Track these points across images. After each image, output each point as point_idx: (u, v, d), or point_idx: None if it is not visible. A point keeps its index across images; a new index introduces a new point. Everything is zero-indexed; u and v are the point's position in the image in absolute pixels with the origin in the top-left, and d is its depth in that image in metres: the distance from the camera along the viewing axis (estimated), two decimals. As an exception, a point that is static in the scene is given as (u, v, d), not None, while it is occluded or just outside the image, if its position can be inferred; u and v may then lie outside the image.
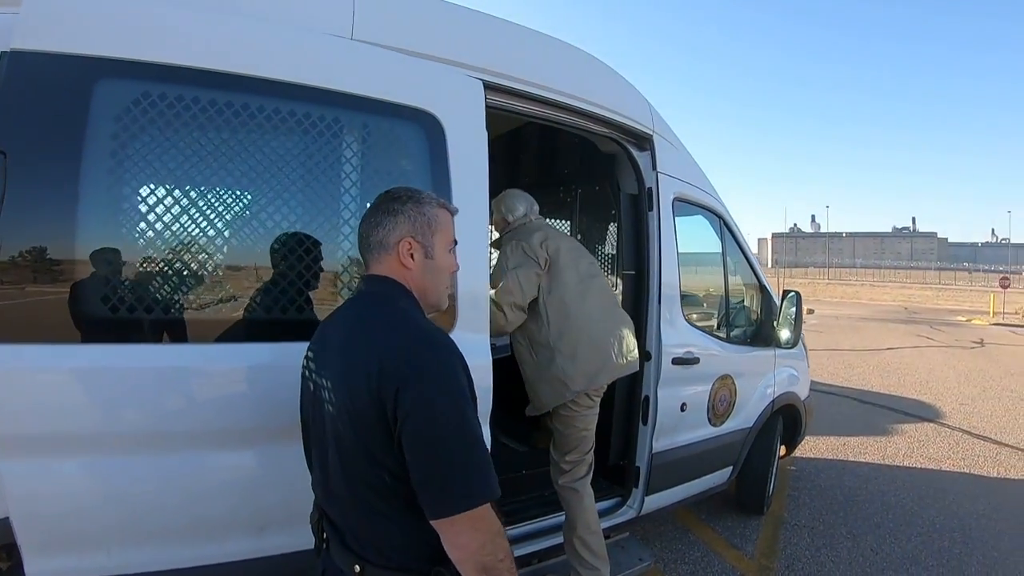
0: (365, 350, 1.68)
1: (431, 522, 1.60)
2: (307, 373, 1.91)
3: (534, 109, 3.61)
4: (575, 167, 5.13)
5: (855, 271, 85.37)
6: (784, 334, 5.36)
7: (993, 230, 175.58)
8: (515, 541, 3.63)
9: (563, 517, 3.78)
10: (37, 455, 2.28)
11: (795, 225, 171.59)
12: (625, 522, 4.32)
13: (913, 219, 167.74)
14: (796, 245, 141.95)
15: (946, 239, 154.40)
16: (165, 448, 2.45)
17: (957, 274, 77.21)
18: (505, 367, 4.22)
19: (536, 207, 3.95)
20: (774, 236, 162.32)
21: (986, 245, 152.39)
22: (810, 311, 32.35)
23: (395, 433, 1.59)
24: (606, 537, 4.11)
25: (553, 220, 5.49)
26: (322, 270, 2.73)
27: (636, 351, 3.79)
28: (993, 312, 35.48)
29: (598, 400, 3.70)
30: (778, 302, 5.39)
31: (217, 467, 2.57)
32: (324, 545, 1.89)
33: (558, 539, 3.78)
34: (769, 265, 70.66)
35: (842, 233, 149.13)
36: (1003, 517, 6.05)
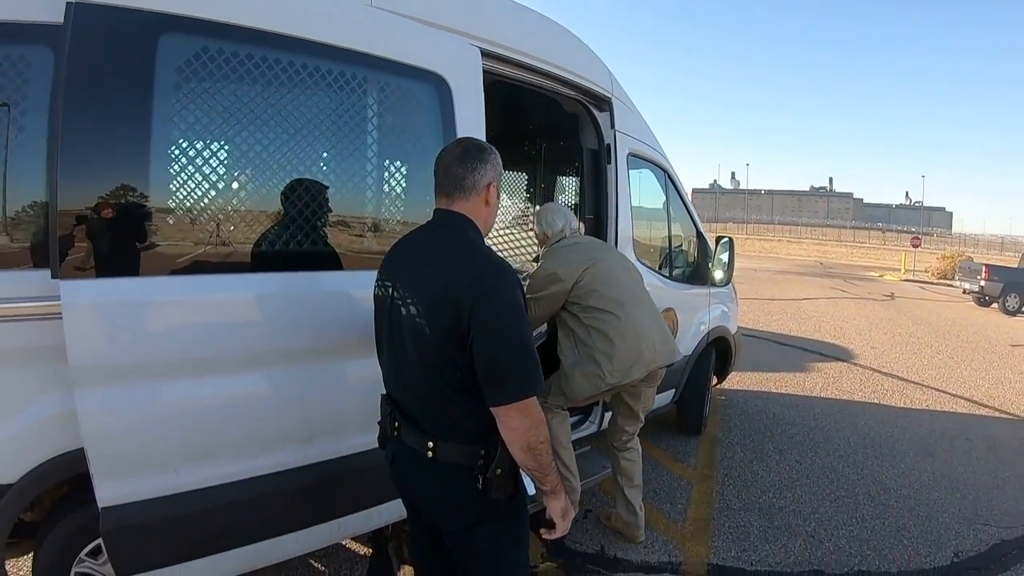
0: (446, 271, 2.11)
1: (491, 408, 2.07)
2: (384, 292, 2.33)
3: (517, 73, 4.10)
4: (541, 124, 5.65)
5: (773, 227, 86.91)
6: (718, 274, 6.17)
7: (907, 193, 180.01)
8: None
9: None
10: (111, 384, 2.48)
11: (715, 182, 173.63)
12: (587, 436, 4.98)
13: (830, 179, 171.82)
14: (716, 201, 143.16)
15: (862, 200, 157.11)
16: (225, 370, 2.73)
17: (871, 233, 79.26)
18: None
19: (574, 222, 4.30)
20: (695, 192, 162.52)
21: (900, 207, 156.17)
22: (732, 264, 33.40)
23: (468, 338, 2.03)
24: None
25: (519, 172, 6.03)
26: (352, 211, 3.15)
27: (668, 344, 4.12)
28: (904, 269, 37.31)
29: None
30: (713, 247, 6.18)
31: (271, 385, 2.88)
32: (395, 432, 2.33)
33: None
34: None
35: (761, 191, 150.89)
36: (908, 437, 7.11)
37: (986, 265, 23.15)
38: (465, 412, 2.17)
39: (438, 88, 3.37)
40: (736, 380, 8.64)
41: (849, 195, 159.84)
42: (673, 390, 5.90)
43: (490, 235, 5.98)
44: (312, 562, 3.93)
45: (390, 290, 2.30)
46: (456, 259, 2.15)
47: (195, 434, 2.70)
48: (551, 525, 2.28)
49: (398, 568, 3.76)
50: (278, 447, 2.91)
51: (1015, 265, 24.68)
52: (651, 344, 3.93)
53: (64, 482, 2.73)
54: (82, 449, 2.48)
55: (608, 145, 4.87)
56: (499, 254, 2.34)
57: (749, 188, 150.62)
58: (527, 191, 6.20)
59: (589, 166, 5.04)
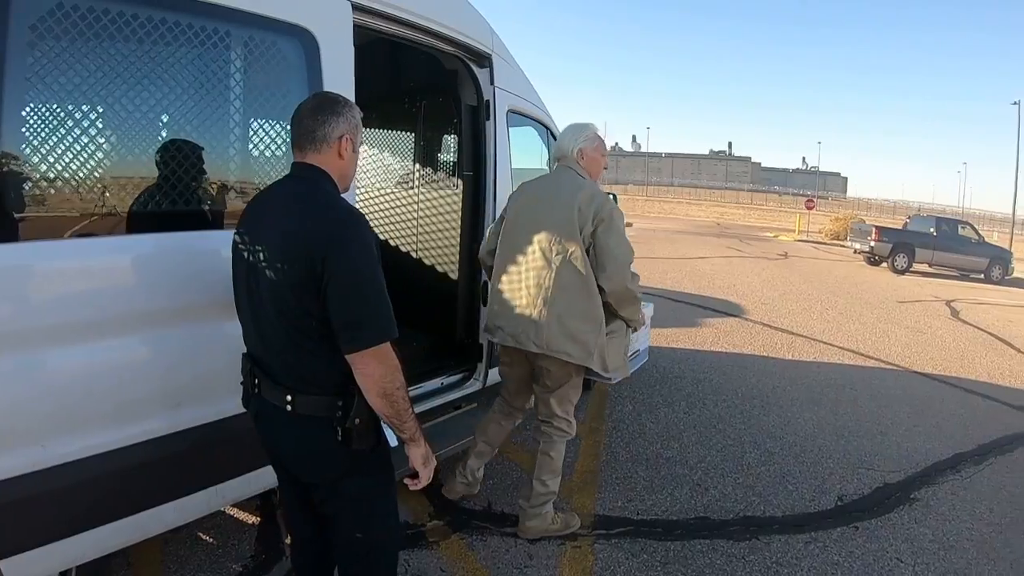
0: (300, 222, 2.16)
1: (346, 356, 2.11)
2: (242, 247, 2.34)
3: (392, 28, 4.03)
4: (420, 81, 5.59)
5: (672, 189, 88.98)
6: None
7: (804, 158, 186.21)
8: None
9: (416, 392, 4.45)
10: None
11: (616, 144, 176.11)
12: (473, 393, 4.97)
13: (729, 144, 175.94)
14: (617, 164, 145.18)
15: (760, 164, 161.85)
16: (89, 337, 2.62)
17: (768, 196, 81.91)
18: (391, 275, 4.87)
19: (569, 150, 4.06)
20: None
21: (797, 171, 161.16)
22: (628, 224, 34.08)
23: (322, 287, 2.08)
24: (456, 408, 4.85)
25: (398, 130, 5.99)
26: (216, 169, 3.08)
27: (554, 334, 3.78)
28: (799, 230, 38.81)
29: None
30: None
31: (136, 351, 2.79)
32: (256, 390, 2.36)
33: (418, 410, 4.33)
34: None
35: (661, 154, 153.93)
36: (795, 388, 7.39)
37: (876, 227, 24.76)
38: (322, 363, 2.21)
39: (304, 43, 3.30)
40: None
41: (747, 159, 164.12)
42: None
43: (373, 195, 5.90)
44: (200, 535, 3.85)
45: (246, 244, 2.32)
46: (308, 210, 2.19)
47: (63, 405, 2.59)
48: (414, 474, 2.35)
49: (286, 535, 3.69)
50: (147, 414, 2.82)
51: (904, 227, 26.04)
52: (540, 316, 3.76)
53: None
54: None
55: (487, 101, 4.86)
56: (357, 208, 2.44)
57: (650, 151, 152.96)
58: (410, 149, 6.09)
59: (468, 123, 5.00)
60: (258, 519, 4.05)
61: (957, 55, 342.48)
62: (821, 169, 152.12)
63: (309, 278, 2.09)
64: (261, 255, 2.23)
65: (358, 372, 2.13)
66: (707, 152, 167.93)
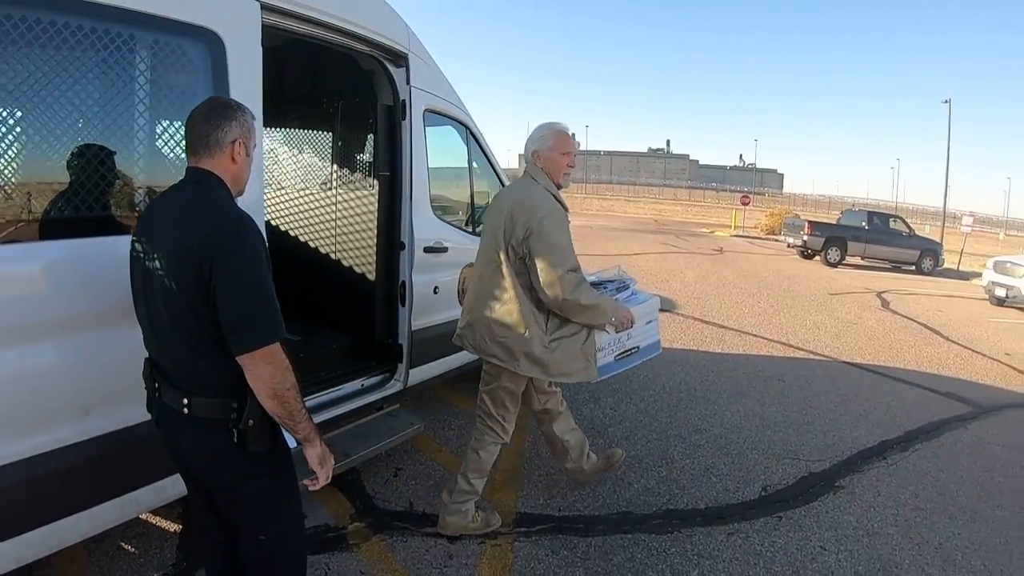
0: (191, 227, 2.18)
1: (237, 358, 2.16)
2: (138, 252, 2.35)
3: (304, 28, 3.98)
4: (337, 81, 5.54)
5: (611, 187, 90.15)
6: None
7: (741, 155, 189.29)
8: None
9: (335, 394, 4.53)
10: None
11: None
12: (394, 394, 4.95)
13: (668, 141, 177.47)
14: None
15: (697, 161, 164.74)
16: None
17: (706, 193, 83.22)
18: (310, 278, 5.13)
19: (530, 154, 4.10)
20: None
21: (734, 168, 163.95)
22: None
23: (212, 291, 2.13)
24: (378, 409, 4.83)
25: (317, 132, 5.93)
26: (120, 174, 3.03)
27: (495, 339, 3.92)
28: (735, 226, 39.45)
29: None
30: None
31: (43, 358, 2.76)
32: (156, 394, 2.41)
33: (334, 413, 4.41)
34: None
35: (600, 151, 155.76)
36: (723, 381, 7.47)
37: (809, 221, 25.36)
38: (215, 366, 2.25)
39: (210, 45, 3.27)
40: None
41: (686, 156, 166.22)
42: None
43: (292, 196, 5.78)
44: (122, 544, 3.79)
45: (141, 250, 2.34)
46: (198, 214, 2.23)
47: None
48: (312, 475, 2.39)
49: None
50: (56, 422, 2.80)
51: (836, 222, 26.73)
52: (474, 319, 3.95)
53: None
54: None
55: (403, 101, 4.85)
56: (242, 209, 2.38)
57: (589, 149, 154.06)
58: (328, 150, 6.01)
59: (384, 123, 4.99)
60: (180, 527, 3.98)
61: (891, 55, 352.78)
62: (758, 166, 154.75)
63: (199, 282, 2.14)
64: (154, 260, 2.26)
65: (248, 373, 2.17)
66: (646, 150, 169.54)
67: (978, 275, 20.15)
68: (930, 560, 4.26)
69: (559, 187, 3.99)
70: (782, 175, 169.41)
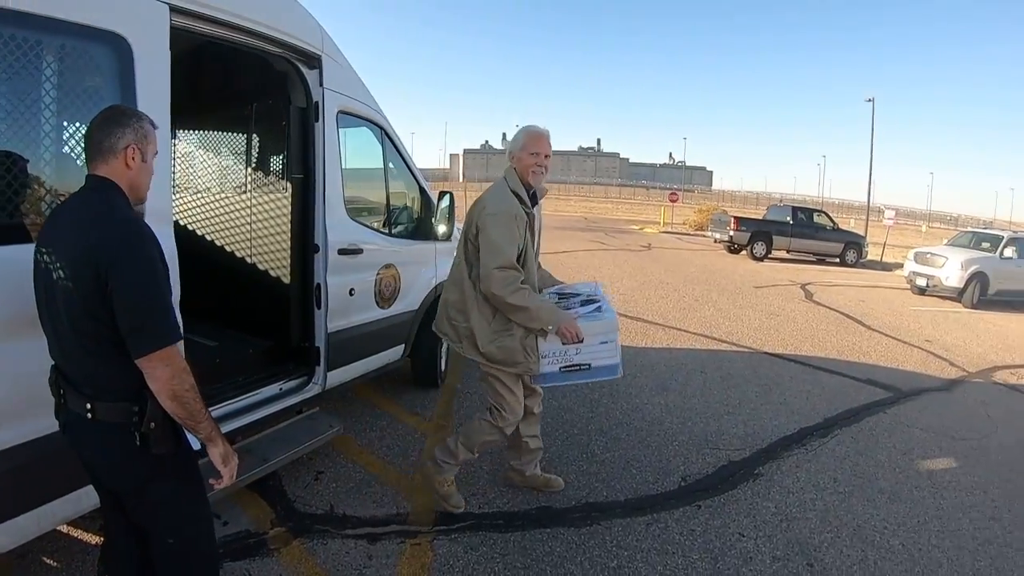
0: (87, 233, 2.21)
1: (136, 361, 2.20)
2: (40, 260, 2.38)
3: (214, 30, 3.93)
4: (251, 83, 5.47)
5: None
6: (441, 229, 6.24)
7: (671, 153, 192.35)
8: (217, 421, 4.01)
9: (253, 399, 4.48)
10: None
11: (487, 142, 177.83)
12: (313, 397, 4.92)
13: (598, 140, 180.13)
14: (487, 161, 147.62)
15: (628, 159, 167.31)
16: None
17: (636, 190, 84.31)
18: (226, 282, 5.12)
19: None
20: (466, 152, 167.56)
21: (664, 166, 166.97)
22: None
23: (108, 296, 2.17)
24: (298, 413, 4.82)
25: (231, 134, 5.90)
26: (26, 181, 2.98)
27: (442, 317, 4.38)
28: (663, 222, 39.96)
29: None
30: (436, 202, 6.22)
31: None
32: (62, 400, 2.41)
33: (252, 418, 4.35)
34: (460, 180, 73.46)
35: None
36: (646, 374, 7.59)
37: (735, 217, 25.96)
38: (116, 370, 2.28)
39: (118, 50, 3.22)
40: None
41: (616, 155, 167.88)
42: (402, 345, 5.94)
43: (207, 200, 5.68)
44: (44, 559, 3.72)
45: (43, 257, 2.37)
46: (94, 221, 2.26)
47: None
48: (217, 474, 2.42)
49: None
50: None
51: (762, 217, 27.41)
52: (441, 300, 4.39)
53: None
54: None
55: (316, 103, 4.83)
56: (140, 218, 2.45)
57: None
58: (242, 153, 5.93)
59: (297, 125, 4.95)
60: (101, 539, 3.81)
61: (817, 54, 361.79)
62: (688, 164, 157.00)
63: (96, 288, 2.17)
64: (54, 267, 2.29)
65: (147, 376, 2.21)
66: (577, 149, 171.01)
67: (900, 266, 20.74)
68: (848, 542, 4.38)
69: (530, 187, 4.12)
70: (711, 172, 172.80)
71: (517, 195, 4.04)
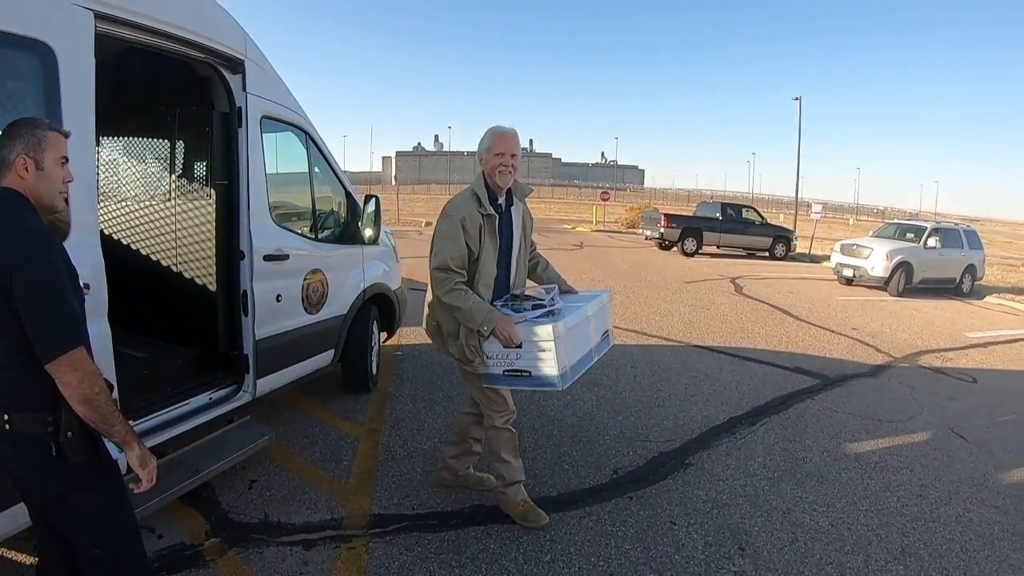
0: None
1: (46, 368, 2.22)
2: None
3: (139, 36, 3.91)
4: (176, 88, 5.42)
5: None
6: (367, 232, 6.25)
7: (603, 153, 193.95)
8: (148, 433, 4.06)
9: (183, 409, 4.47)
10: None
11: (419, 144, 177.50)
12: (244, 405, 4.90)
13: (531, 140, 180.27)
14: (420, 163, 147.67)
15: (560, 159, 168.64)
16: None
17: (569, 190, 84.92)
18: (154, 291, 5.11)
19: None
20: (398, 154, 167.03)
21: (597, 165, 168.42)
22: (428, 223, 34.42)
23: (13, 305, 2.19)
24: (229, 422, 4.79)
25: (156, 141, 5.83)
26: None
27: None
28: (596, 221, 40.24)
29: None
30: (362, 206, 6.25)
31: None
32: None
33: (182, 428, 4.35)
34: (393, 182, 73.18)
35: (464, 152, 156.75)
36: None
37: (664, 214, 26.36)
38: (28, 380, 2.29)
39: (42, 58, 3.22)
40: (414, 335, 8.85)
41: (549, 155, 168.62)
42: (332, 350, 5.94)
43: (133, 208, 5.61)
44: None
45: None
46: (1, 231, 2.28)
47: None
48: (136, 478, 2.44)
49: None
50: None
51: (691, 213, 27.95)
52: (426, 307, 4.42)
53: None
54: None
55: (239, 108, 4.82)
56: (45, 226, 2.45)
57: (452, 150, 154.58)
58: (167, 160, 5.87)
59: (220, 131, 4.93)
60: (36, 559, 3.79)
61: (747, 51, 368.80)
62: (620, 163, 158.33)
63: (1, 297, 2.20)
64: None
65: (58, 382, 2.23)
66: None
67: (828, 258, 21.25)
68: (778, 525, 4.52)
69: (500, 188, 4.20)
70: (643, 171, 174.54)
71: (477, 198, 4.08)
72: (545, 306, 4.19)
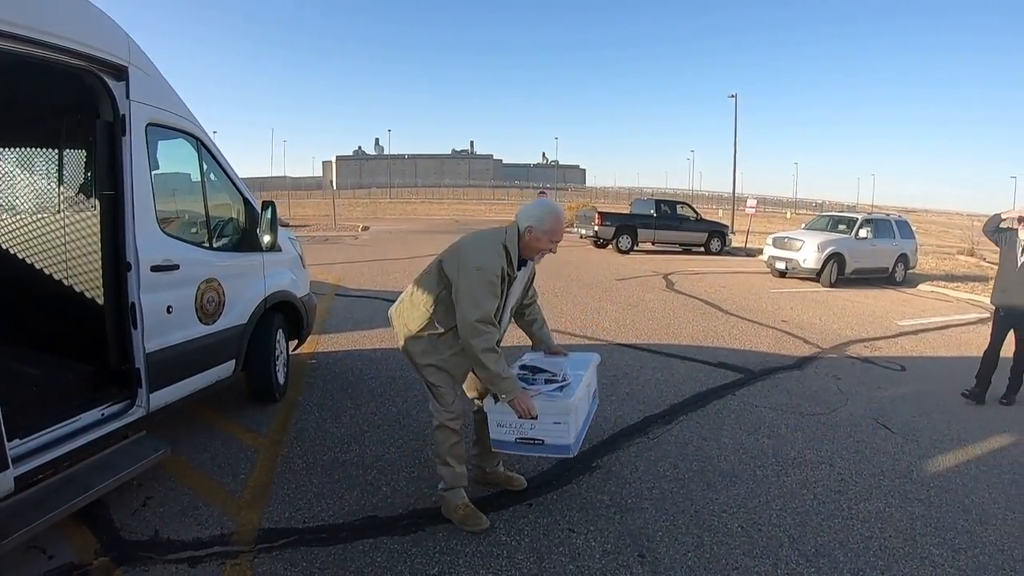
0: None
1: None
2: None
3: (16, 47, 3.79)
4: (61, 98, 5.32)
5: (416, 190, 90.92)
6: (265, 239, 6.10)
7: (544, 153, 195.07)
8: (35, 451, 3.97)
9: (74, 426, 4.35)
10: None
11: (359, 148, 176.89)
12: (140, 420, 4.78)
13: (472, 143, 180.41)
14: (360, 167, 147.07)
15: (501, 161, 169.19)
16: None
17: (510, 191, 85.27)
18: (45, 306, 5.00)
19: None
20: (338, 159, 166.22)
21: (538, 166, 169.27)
22: (365, 228, 34.35)
23: None
24: (124, 437, 4.65)
25: (43, 151, 5.74)
26: None
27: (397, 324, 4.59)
28: (538, 220, 40.50)
29: None
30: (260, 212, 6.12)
31: None
32: None
33: (74, 445, 4.23)
34: (334, 187, 72.91)
35: (404, 155, 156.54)
36: None
37: (599, 212, 26.67)
38: None
39: None
40: (332, 342, 8.79)
41: (489, 157, 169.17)
42: (233, 361, 5.81)
43: (21, 222, 5.51)
44: None
45: None
46: None
47: None
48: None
49: None
50: None
51: (626, 211, 28.20)
52: (402, 297, 4.63)
53: None
54: None
55: (123, 115, 4.70)
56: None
57: (393, 153, 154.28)
58: (55, 171, 5.70)
59: (104, 140, 4.77)
60: None
61: (685, 49, 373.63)
62: (562, 163, 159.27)
63: None
64: None
65: None
66: (450, 152, 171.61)
67: (762, 252, 21.53)
68: (684, 529, 4.46)
69: (530, 255, 4.42)
70: (584, 170, 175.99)
71: (508, 255, 4.19)
72: (558, 381, 4.50)
